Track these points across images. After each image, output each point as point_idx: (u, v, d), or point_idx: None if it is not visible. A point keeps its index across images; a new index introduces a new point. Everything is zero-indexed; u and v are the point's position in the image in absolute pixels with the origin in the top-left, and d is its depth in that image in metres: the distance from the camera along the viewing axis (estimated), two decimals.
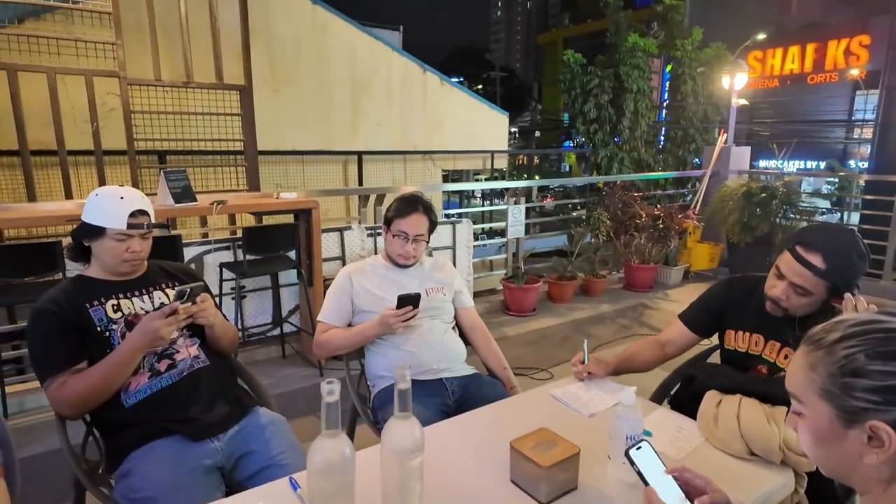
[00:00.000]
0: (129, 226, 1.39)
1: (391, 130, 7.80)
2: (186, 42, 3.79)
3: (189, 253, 2.94)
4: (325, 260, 3.33)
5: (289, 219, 3.21)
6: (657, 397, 1.65)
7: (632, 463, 0.88)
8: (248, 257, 2.91)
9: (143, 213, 1.43)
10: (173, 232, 3.17)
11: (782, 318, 1.38)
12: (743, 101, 5.50)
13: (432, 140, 8.25)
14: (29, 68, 3.34)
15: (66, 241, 2.50)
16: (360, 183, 7.07)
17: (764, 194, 4.49)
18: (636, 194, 4.96)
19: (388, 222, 1.83)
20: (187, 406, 1.38)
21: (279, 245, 3.04)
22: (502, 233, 5.55)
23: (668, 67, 7.66)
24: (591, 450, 1.10)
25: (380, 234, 3.60)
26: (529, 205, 4.58)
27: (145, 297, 1.48)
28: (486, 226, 5.80)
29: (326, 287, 3.18)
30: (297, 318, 3.43)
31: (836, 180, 9.49)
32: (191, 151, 4.62)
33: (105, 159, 3.69)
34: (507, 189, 4.62)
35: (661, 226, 4.67)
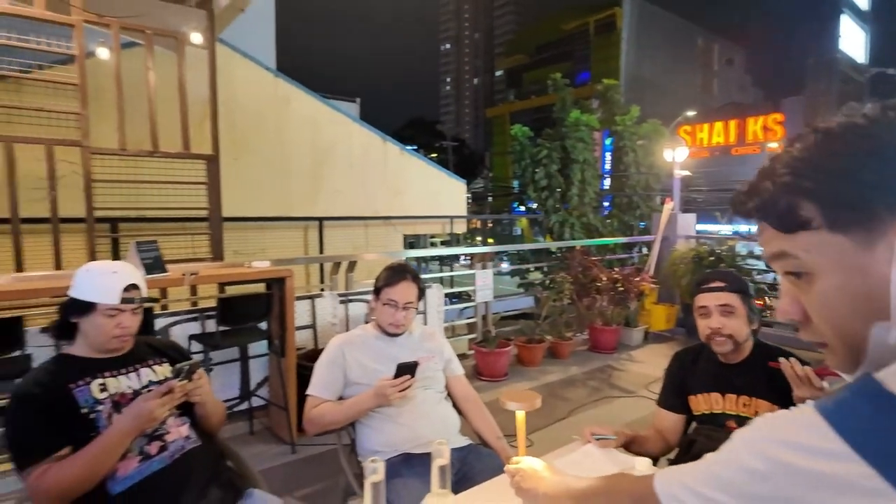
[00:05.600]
0: (123, 300, 1.35)
1: (352, 197, 7.91)
2: (154, 112, 3.79)
3: (155, 325, 2.80)
4: (297, 329, 3.26)
5: (259, 288, 3.14)
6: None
7: None
8: (221, 328, 2.80)
9: (135, 287, 1.40)
10: None
11: (730, 367, 1.53)
12: (686, 172, 5.97)
13: (393, 206, 8.40)
14: None
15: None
16: (322, 248, 7.05)
17: (712, 258, 4.80)
18: (593, 258, 5.17)
19: (377, 291, 1.85)
20: (179, 492, 1.29)
21: (253, 316, 2.95)
22: (461, 296, 5.60)
23: (608, 140, 8.25)
24: None
25: (351, 301, 3.60)
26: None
27: (132, 375, 1.41)
28: (457, 290, 5.81)
29: (298, 357, 3.12)
30: (265, 391, 3.28)
31: None
32: (144, 219, 4.50)
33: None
34: (473, 254, 4.72)
35: (620, 288, 4.86)
